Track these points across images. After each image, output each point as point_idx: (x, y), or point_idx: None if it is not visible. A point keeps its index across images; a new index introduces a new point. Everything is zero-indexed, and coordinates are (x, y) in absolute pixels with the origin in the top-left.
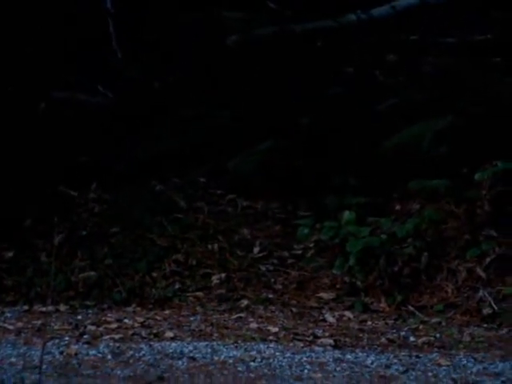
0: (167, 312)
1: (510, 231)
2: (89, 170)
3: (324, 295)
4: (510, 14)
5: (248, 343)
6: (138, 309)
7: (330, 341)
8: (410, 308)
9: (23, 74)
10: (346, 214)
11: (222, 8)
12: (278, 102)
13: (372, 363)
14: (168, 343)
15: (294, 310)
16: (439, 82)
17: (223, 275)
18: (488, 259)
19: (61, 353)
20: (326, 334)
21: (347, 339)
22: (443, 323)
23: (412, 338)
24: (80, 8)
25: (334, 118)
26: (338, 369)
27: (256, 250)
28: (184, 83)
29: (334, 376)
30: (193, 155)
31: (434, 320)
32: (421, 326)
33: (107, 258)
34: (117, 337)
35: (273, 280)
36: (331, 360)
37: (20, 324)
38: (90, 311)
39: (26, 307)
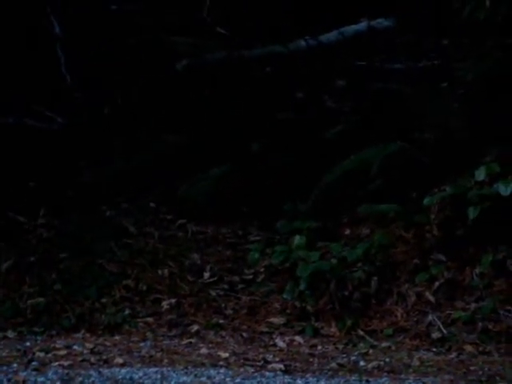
0: (117, 338)
1: (459, 255)
2: (37, 196)
3: (274, 320)
4: (457, 41)
5: (198, 369)
6: (88, 335)
7: (281, 366)
8: (360, 332)
9: None
10: (297, 239)
11: (172, 33)
12: (229, 128)
13: None
14: (118, 369)
15: (244, 335)
16: (387, 108)
17: (173, 301)
18: (437, 283)
19: (8, 380)
20: (277, 358)
21: (298, 364)
22: (393, 347)
23: (362, 363)
24: (28, 32)
25: (284, 143)
26: None
27: (206, 275)
28: (134, 108)
29: None
30: (143, 180)
31: (384, 344)
32: (371, 351)
33: (56, 284)
34: (66, 363)
35: (223, 305)
36: None
37: None
38: (39, 338)
39: None
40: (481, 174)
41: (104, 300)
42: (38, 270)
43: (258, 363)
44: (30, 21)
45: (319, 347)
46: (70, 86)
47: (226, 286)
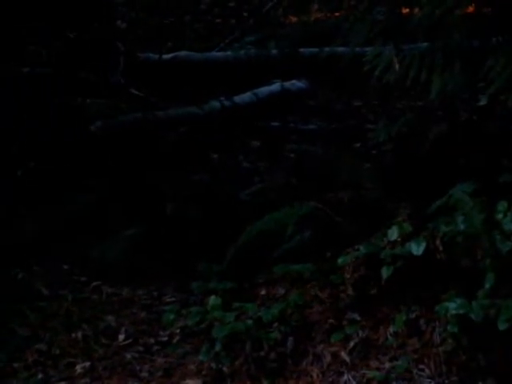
0: None
1: (373, 315)
2: None
3: (190, 382)
4: (369, 102)
5: None
6: None
7: None
8: None
9: None
10: (212, 300)
11: (85, 95)
12: (143, 189)
13: None
14: None
15: None
16: (302, 168)
17: (87, 364)
18: (352, 343)
19: None
20: None
21: None
22: None
23: None
24: None
25: (199, 204)
26: None
27: (121, 337)
28: (46, 169)
29: None
30: (55, 242)
31: None
32: None
33: None
34: None
35: (138, 368)
36: None
37: None
38: None
39: None
40: (393, 234)
41: (16, 364)
42: None
43: None
44: None
45: None
46: None
47: (141, 349)
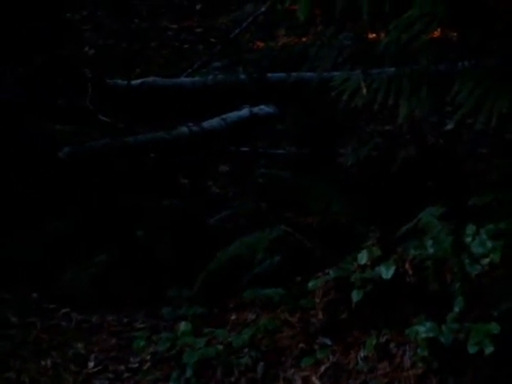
0: None
1: (344, 339)
2: None
3: None
4: (336, 126)
5: None
6: None
7: None
8: None
9: None
10: (182, 325)
11: (53, 121)
12: (114, 214)
13: None
14: None
15: None
16: (271, 193)
17: None
18: (323, 367)
19: None
20: None
21: None
22: None
23: None
24: None
25: (169, 229)
26: None
27: (91, 364)
28: (17, 197)
29: None
30: (24, 269)
31: None
32: None
33: None
34: None
35: None
36: None
37: None
38: None
39: None
40: (363, 258)
41: None
42: None
43: None
44: None
45: None
46: None
47: (111, 376)
